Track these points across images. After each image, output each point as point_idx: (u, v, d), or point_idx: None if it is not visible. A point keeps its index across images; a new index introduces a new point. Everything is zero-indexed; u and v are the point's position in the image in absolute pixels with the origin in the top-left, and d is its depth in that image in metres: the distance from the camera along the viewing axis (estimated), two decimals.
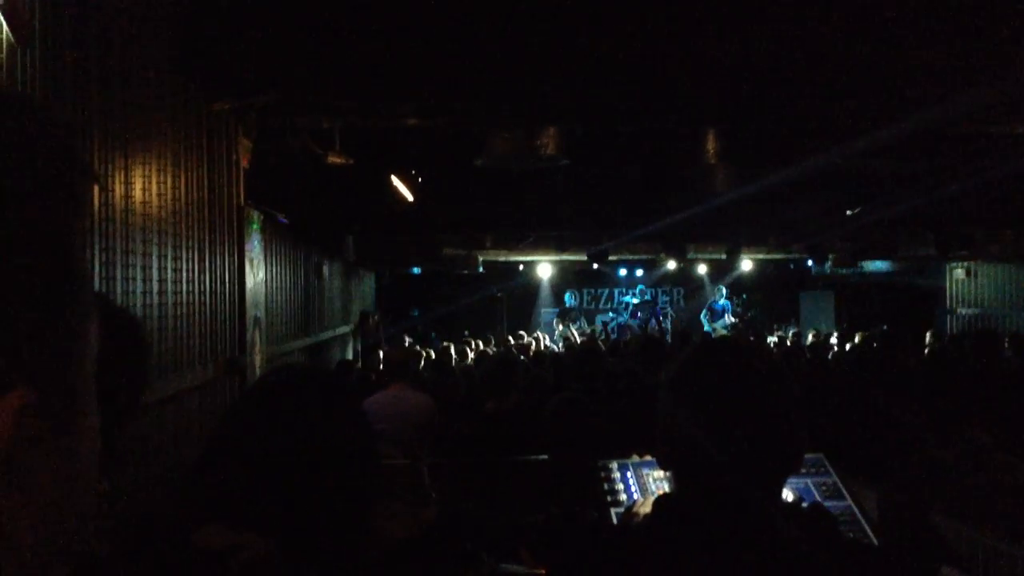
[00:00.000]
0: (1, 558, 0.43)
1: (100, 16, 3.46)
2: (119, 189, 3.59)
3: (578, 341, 13.69)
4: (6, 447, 0.42)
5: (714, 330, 15.83)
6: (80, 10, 3.25)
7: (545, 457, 3.21)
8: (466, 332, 15.29)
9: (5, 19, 2.60)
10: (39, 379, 0.44)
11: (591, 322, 18.09)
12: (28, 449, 0.44)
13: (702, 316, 17.04)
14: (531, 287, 19.07)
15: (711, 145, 7.44)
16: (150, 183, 4.01)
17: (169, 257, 4.21)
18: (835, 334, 14.55)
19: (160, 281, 4.06)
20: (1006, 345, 8.73)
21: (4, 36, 2.64)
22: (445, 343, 11.53)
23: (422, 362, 9.22)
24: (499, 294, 18.54)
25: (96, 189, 3.20)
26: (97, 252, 3.27)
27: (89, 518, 0.50)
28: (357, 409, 1.37)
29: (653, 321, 17.90)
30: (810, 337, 14.13)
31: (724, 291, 17.09)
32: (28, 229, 0.44)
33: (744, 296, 17.97)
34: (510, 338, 13.81)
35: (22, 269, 0.43)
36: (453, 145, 7.21)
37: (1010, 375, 5.75)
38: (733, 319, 16.65)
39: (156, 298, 4.00)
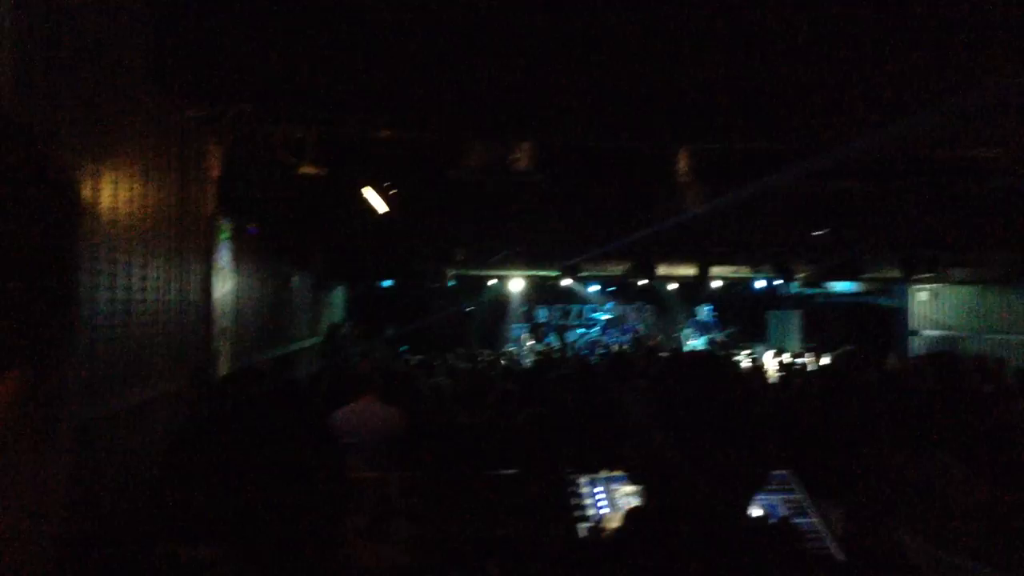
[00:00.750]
0: None
1: (73, 22, 3.43)
2: (88, 196, 3.55)
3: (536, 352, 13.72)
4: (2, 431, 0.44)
5: (695, 348, 15.94)
6: (53, 16, 3.22)
7: (514, 471, 3.21)
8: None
9: None
10: (37, 366, 0.46)
11: (561, 337, 18.13)
12: (20, 433, 0.45)
13: (685, 332, 17.11)
14: (502, 301, 19.08)
15: (682, 164, 7.52)
16: (119, 190, 3.96)
17: (137, 266, 4.16)
18: (805, 355, 14.70)
19: (127, 289, 4.01)
20: (968, 367, 8.87)
21: None
22: (413, 357, 11.50)
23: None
24: (470, 308, 18.53)
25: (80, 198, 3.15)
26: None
27: (66, 506, 0.51)
28: (319, 419, 1.36)
29: (623, 336, 17.99)
30: (770, 355, 14.30)
31: (709, 308, 17.19)
32: (30, 231, 0.47)
33: (716, 315, 18.12)
34: (480, 353, 13.81)
35: (28, 262, 0.46)
36: (427, 157, 7.21)
37: (971, 396, 5.84)
38: (716, 337, 16.76)
39: (123, 306, 3.95)
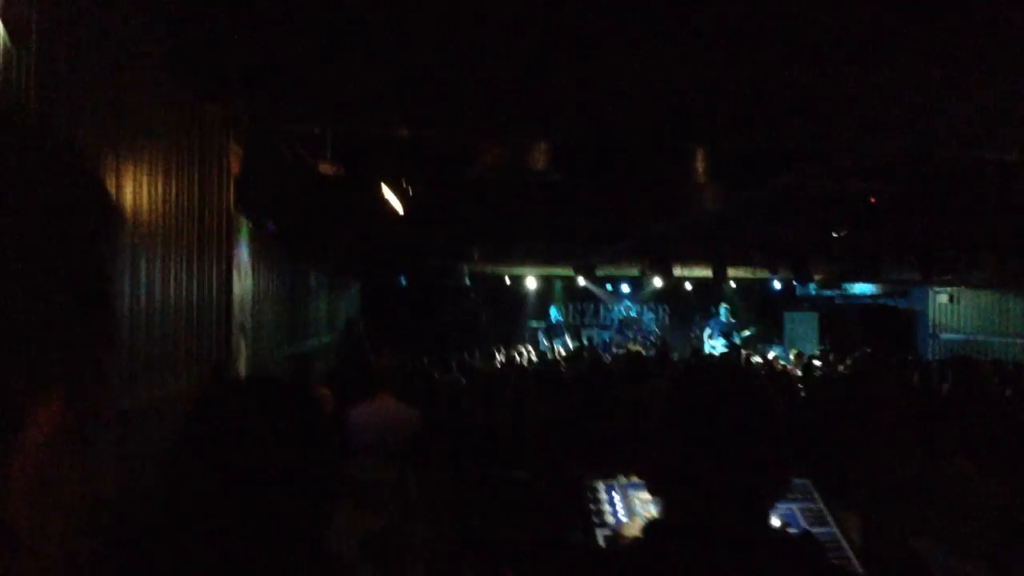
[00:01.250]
0: (35, 565, 0.45)
1: (95, 20, 3.45)
2: (110, 192, 3.57)
3: (560, 355, 13.71)
4: (40, 466, 0.44)
5: (714, 349, 15.82)
6: (76, 14, 3.24)
7: (530, 474, 3.21)
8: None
9: (3, 22, 2.59)
10: (78, 382, 0.47)
11: (576, 337, 18.09)
12: (61, 467, 0.46)
13: (704, 334, 17.01)
14: (517, 300, 19.06)
15: (699, 164, 7.49)
16: (141, 188, 3.99)
17: (157, 262, 4.19)
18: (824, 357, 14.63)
19: (148, 285, 4.04)
20: (987, 371, 8.79)
21: (1, 39, 2.63)
22: (429, 355, 11.52)
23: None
24: (485, 306, 18.52)
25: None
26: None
27: (105, 512, 0.52)
28: (310, 417, 1.36)
29: (639, 337, 17.95)
30: (791, 357, 14.20)
31: (728, 308, 17.08)
32: (69, 247, 0.48)
33: (730, 316, 18.04)
34: (497, 351, 13.82)
35: (67, 283, 0.47)
36: (444, 156, 7.22)
37: (990, 402, 5.79)
38: (735, 338, 16.67)
39: (144, 303, 3.98)
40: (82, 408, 0.48)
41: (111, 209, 0.53)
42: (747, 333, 17.00)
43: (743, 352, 14.90)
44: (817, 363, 13.04)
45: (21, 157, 0.47)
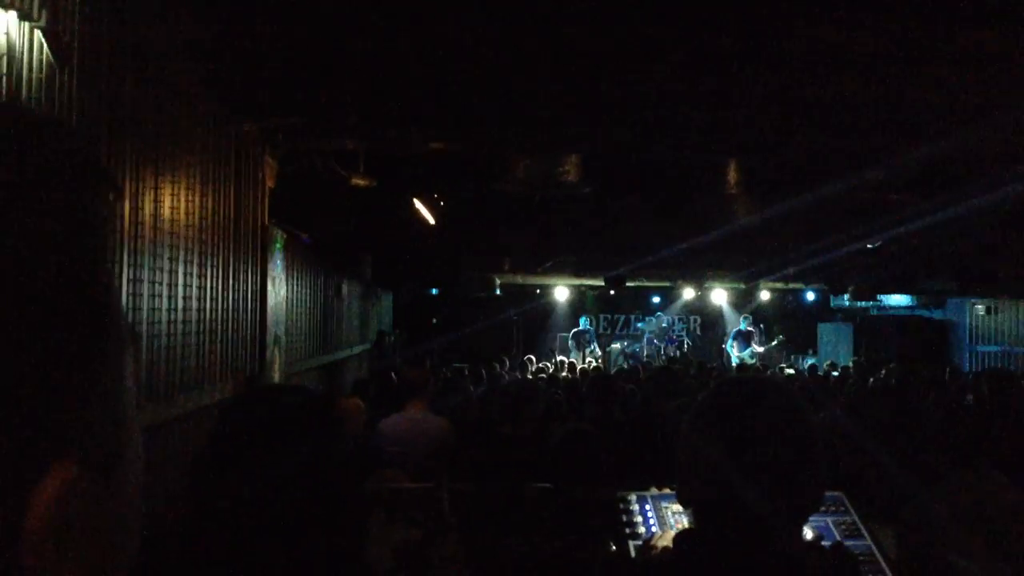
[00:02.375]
0: None
1: (135, 37, 3.54)
2: (148, 206, 3.65)
3: (589, 365, 13.68)
4: (52, 527, 0.42)
5: (741, 360, 15.71)
6: (117, 33, 3.32)
7: (563, 486, 3.21)
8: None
9: (46, 40, 2.66)
10: (88, 438, 0.44)
11: (604, 348, 18.03)
12: (76, 525, 0.43)
13: (728, 345, 16.92)
14: (547, 311, 19.07)
15: (732, 176, 7.46)
16: (179, 200, 4.07)
17: (195, 274, 4.26)
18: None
19: (185, 298, 4.11)
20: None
21: (44, 57, 2.70)
22: (459, 366, 11.55)
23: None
24: (515, 317, 18.54)
25: (122, 203, 3.25)
26: (125, 268, 3.32)
27: (135, 553, 0.50)
28: (334, 435, 1.36)
29: (670, 348, 17.86)
30: (825, 366, 14.06)
31: (749, 318, 16.97)
32: (50, 262, 0.43)
33: (762, 326, 17.87)
34: (528, 362, 13.82)
35: (58, 313, 0.43)
36: (475, 169, 7.26)
37: None
38: (759, 348, 16.54)
39: (181, 314, 4.05)
40: (100, 469, 0.46)
41: (103, 185, 0.49)
42: (774, 344, 16.86)
43: (761, 364, 14.78)
44: (835, 373, 12.91)
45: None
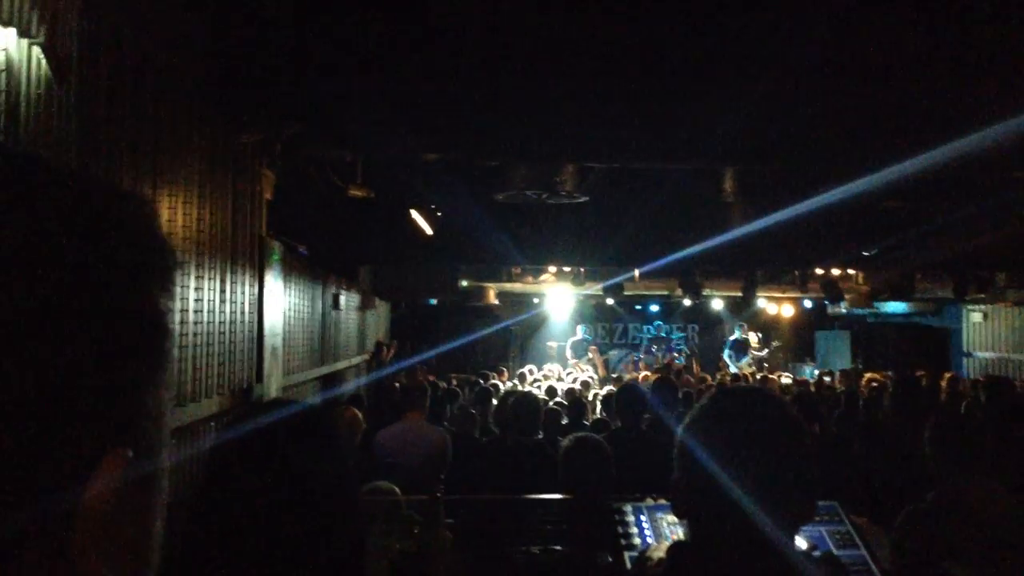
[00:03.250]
0: None
1: (133, 52, 3.56)
2: None
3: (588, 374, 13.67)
4: (107, 509, 0.47)
5: (740, 368, 15.73)
6: (115, 46, 3.34)
7: (561, 496, 3.22)
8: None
9: (45, 57, 2.68)
10: (137, 439, 0.50)
11: (603, 356, 18.02)
12: (128, 510, 0.48)
13: (726, 354, 16.95)
14: (545, 320, 19.07)
15: (728, 183, 7.49)
16: (176, 213, 4.08)
17: (191, 287, 4.27)
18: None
19: (182, 311, 4.12)
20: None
21: (43, 72, 2.72)
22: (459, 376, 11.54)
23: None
24: (513, 326, 18.54)
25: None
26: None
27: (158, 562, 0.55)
28: (332, 448, 1.36)
29: (668, 355, 17.87)
30: (816, 374, 14.12)
31: (743, 326, 17.01)
32: (130, 304, 0.51)
33: (760, 335, 17.89)
34: (527, 372, 13.81)
35: (132, 332, 0.50)
36: (473, 179, 7.28)
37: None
38: (760, 353, 16.56)
39: (178, 327, 4.06)
40: (143, 471, 0.51)
41: (169, 255, 0.56)
42: (767, 350, 16.89)
43: (755, 372, 14.80)
44: (826, 379, 12.94)
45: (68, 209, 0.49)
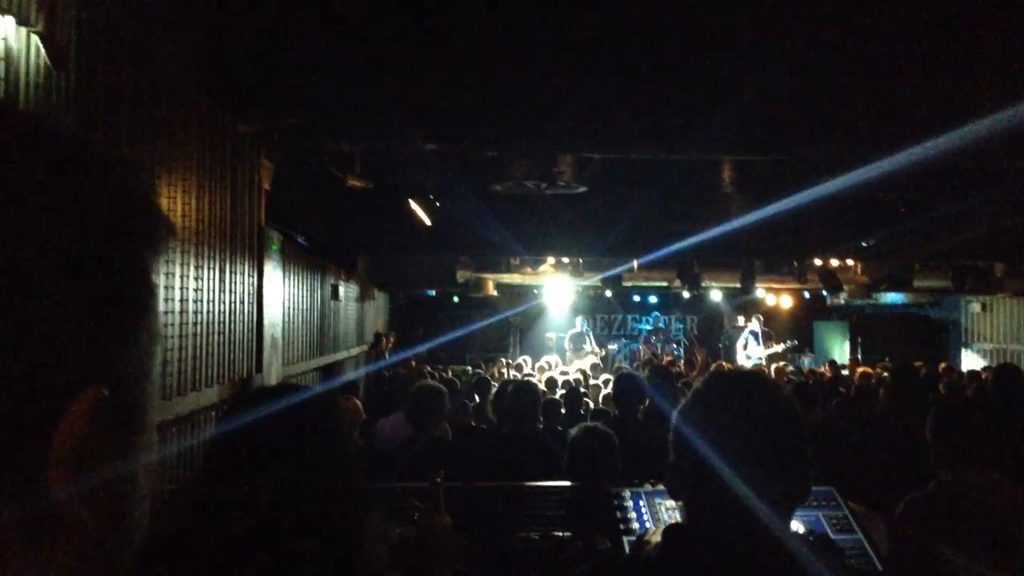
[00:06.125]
0: (75, 543, 0.49)
1: (132, 41, 3.55)
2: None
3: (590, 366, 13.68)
4: (80, 442, 0.48)
5: (752, 360, 15.70)
6: (113, 35, 3.34)
7: (561, 483, 3.24)
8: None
9: (44, 45, 2.68)
10: (116, 382, 0.51)
11: (602, 347, 18.04)
12: (101, 445, 0.49)
13: (739, 344, 16.91)
14: (543, 311, 19.08)
15: (727, 174, 7.49)
16: (175, 203, 4.09)
17: (191, 276, 4.28)
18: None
19: (181, 300, 4.13)
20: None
21: (42, 61, 2.72)
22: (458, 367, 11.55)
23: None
24: (512, 317, 18.56)
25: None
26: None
27: (146, 511, 0.57)
28: (339, 432, 1.37)
29: (667, 347, 17.89)
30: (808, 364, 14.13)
31: (760, 318, 16.95)
32: (121, 262, 0.53)
33: (767, 330, 17.87)
34: (522, 363, 13.83)
35: (115, 287, 0.52)
36: (471, 170, 7.28)
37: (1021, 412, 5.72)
38: (778, 347, 16.53)
39: (177, 317, 4.07)
40: (121, 414, 0.52)
41: (159, 220, 0.58)
42: (785, 345, 16.83)
43: (779, 363, 14.79)
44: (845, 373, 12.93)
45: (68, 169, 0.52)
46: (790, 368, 13.37)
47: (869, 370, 11.70)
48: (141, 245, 0.55)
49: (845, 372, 12.83)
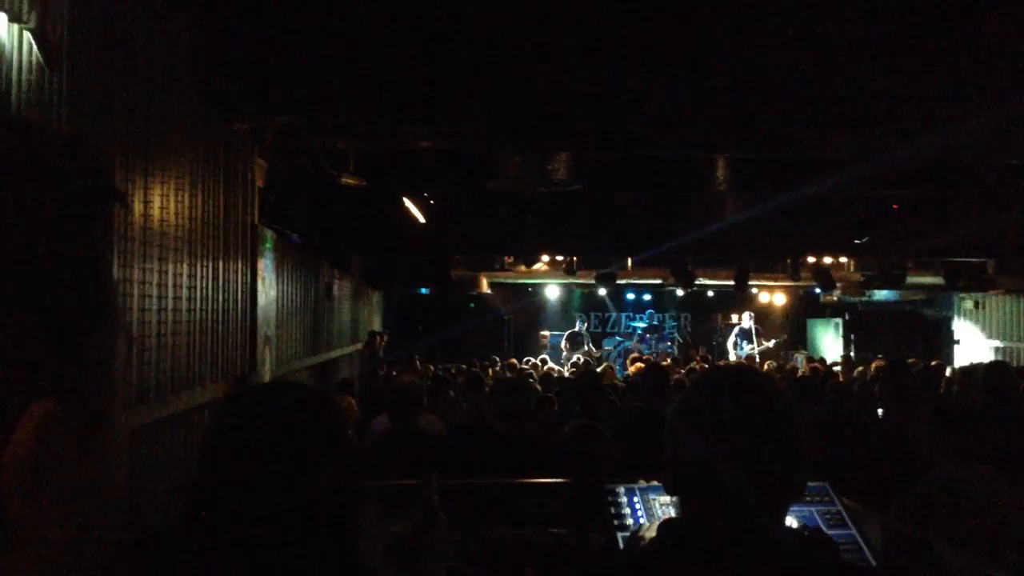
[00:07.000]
0: (34, 553, 0.48)
1: (125, 39, 3.54)
2: (138, 207, 3.66)
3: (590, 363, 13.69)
4: (31, 455, 0.48)
5: (742, 357, 15.77)
6: (106, 33, 3.33)
7: (555, 480, 3.24)
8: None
9: (36, 42, 2.67)
10: (65, 390, 0.50)
11: (598, 346, 18.07)
12: (54, 456, 0.49)
13: (730, 342, 16.98)
14: (538, 309, 19.08)
15: (720, 172, 7.50)
16: (168, 201, 4.07)
17: (184, 274, 4.26)
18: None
19: (175, 298, 4.11)
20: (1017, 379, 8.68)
21: (34, 58, 2.71)
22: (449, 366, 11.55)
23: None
24: (506, 315, 18.56)
25: (119, 208, 3.26)
26: (116, 268, 3.33)
27: (115, 517, 0.56)
28: (337, 429, 1.37)
29: (661, 345, 17.91)
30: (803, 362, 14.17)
31: (752, 316, 17.02)
32: (62, 250, 0.51)
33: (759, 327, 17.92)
34: (513, 361, 13.83)
35: (56, 287, 0.50)
36: (465, 168, 7.28)
37: (1020, 408, 5.73)
38: (769, 343, 16.59)
39: (171, 315, 4.06)
40: (75, 423, 0.51)
41: (108, 197, 0.57)
42: (774, 341, 16.89)
43: (765, 359, 14.84)
44: (837, 369, 12.95)
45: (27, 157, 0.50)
46: (788, 365, 13.42)
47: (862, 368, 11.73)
48: (90, 226, 0.53)
49: (837, 368, 12.84)
